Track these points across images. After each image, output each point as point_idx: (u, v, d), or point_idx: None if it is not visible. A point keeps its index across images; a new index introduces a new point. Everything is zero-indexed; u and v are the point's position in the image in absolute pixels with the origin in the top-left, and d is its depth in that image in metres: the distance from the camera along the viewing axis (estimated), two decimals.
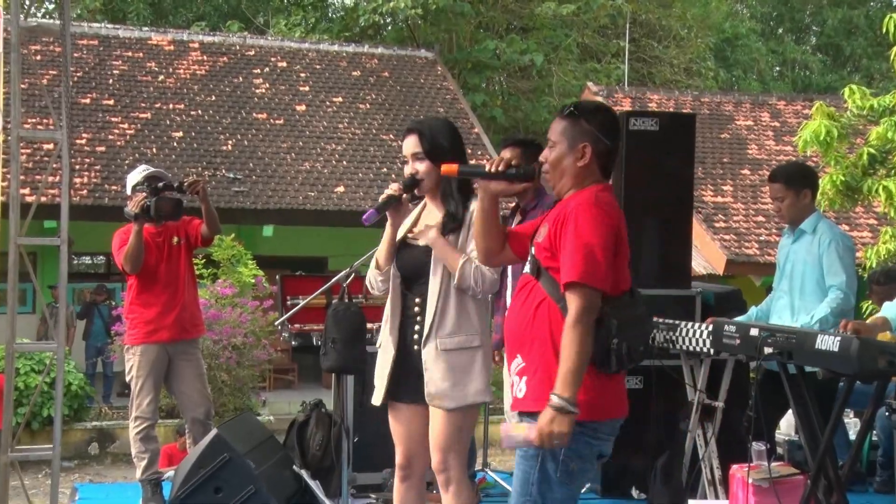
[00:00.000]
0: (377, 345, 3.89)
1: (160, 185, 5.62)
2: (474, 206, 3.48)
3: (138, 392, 5.68)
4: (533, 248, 3.05)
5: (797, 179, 4.95)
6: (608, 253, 2.91)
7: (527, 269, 3.09)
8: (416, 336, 3.75)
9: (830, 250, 4.79)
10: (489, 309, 3.81)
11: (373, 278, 3.85)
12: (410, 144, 3.76)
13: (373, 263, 3.87)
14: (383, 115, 17.04)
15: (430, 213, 3.81)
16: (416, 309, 3.76)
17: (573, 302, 2.85)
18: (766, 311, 5.10)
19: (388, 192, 3.74)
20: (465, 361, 3.63)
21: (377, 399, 3.81)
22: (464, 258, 3.59)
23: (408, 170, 3.76)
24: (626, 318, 2.96)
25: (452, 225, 3.68)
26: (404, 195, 3.72)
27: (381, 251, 3.83)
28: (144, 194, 5.57)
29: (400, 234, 3.83)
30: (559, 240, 2.94)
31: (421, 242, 3.72)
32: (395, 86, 18.04)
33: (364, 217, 3.63)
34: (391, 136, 16.44)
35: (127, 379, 5.83)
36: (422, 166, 3.72)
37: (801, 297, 4.87)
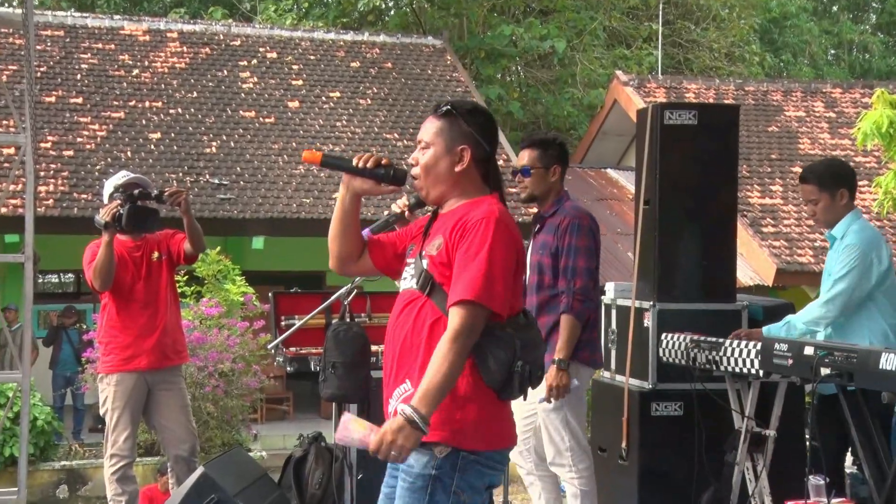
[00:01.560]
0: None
1: (136, 192, 5.65)
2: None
3: (114, 427, 5.69)
4: (425, 262, 3.11)
5: (831, 179, 4.96)
6: (508, 273, 3.04)
7: (412, 283, 3.15)
8: None
9: (843, 253, 4.81)
10: None
11: None
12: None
13: None
14: (386, 111, 17.07)
15: None
16: None
17: (458, 317, 2.96)
18: None
19: (393, 208, 3.78)
20: None
21: None
22: None
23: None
24: (527, 339, 3.09)
25: None
26: (409, 213, 3.76)
27: None
28: (118, 202, 5.60)
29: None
30: (455, 253, 3.05)
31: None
32: (399, 78, 18.08)
33: None
34: (395, 134, 16.47)
35: (101, 412, 5.85)
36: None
37: None
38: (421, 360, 3.04)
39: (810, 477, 4.40)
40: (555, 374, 4.89)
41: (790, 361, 4.24)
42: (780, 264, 14.88)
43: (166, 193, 5.63)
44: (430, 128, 3.19)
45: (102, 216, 5.60)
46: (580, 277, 4.97)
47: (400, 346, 3.12)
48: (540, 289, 5.06)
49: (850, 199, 4.98)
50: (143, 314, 5.75)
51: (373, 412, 5.01)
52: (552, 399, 4.94)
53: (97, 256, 5.59)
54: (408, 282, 3.18)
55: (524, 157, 5.19)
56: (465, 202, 3.16)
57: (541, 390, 4.99)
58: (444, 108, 3.18)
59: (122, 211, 5.58)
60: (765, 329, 4.94)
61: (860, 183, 17.25)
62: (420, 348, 3.06)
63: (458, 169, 3.16)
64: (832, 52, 32.26)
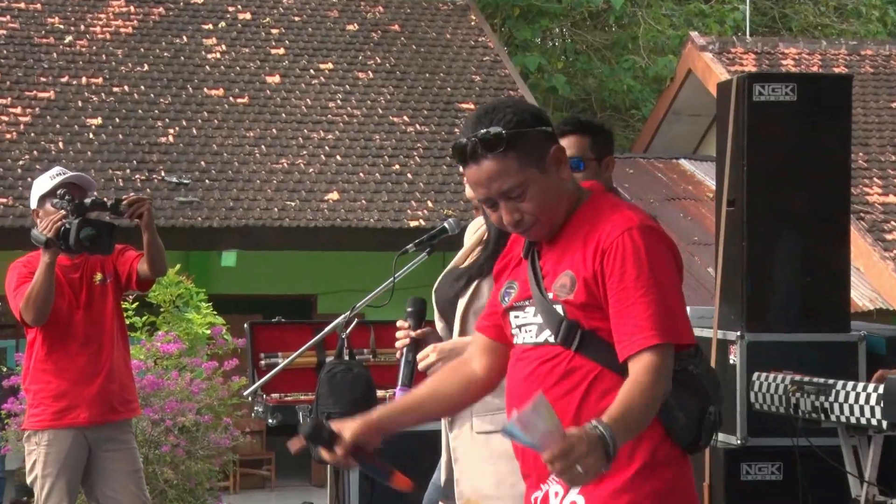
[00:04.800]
0: None
1: (87, 201, 5.65)
2: None
3: (45, 498, 5.71)
4: (559, 308, 3.07)
5: None
6: (680, 292, 3.05)
7: (542, 337, 3.12)
8: None
9: None
10: None
11: None
12: None
13: None
14: (393, 88, 17.10)
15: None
16: None
17: (650, 360, 2.93)
18: None
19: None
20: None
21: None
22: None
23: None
24: (708, 374, 3.13)
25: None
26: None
27: None
28: (63, 212, 5.61)
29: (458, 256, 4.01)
30: (604, 288, 3.02)
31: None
32: (409, 45, 18.11)
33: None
34: (405, 117, 16.49)
35: (28, 480, 5.87)
36: None
37: None
38: None
39: None
40: None
41: None
42: None
43: (125, 202, 5.64)
44: (500, 168, 3.05)
45: (44, 230, 5.59)
46: None
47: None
48: None
49: None
50: (82, 353, 5.76)
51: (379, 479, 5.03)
52: None
53: (34, 282, 5.57)
54: (531, 334, 3.15)
55: (570, 146, 5.18)
56: (576, 214, 3.15)
57: None
58: (498, 136, 3.04)
59: (68, 225, 5.57)
60: None
61: None
62: (577, 416, 3.01)
63: (564, 175, 3.14)
64: None
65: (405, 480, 3.11)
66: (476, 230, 4.09)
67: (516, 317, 3.18)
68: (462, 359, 3.34)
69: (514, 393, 3.17)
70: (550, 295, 3.08)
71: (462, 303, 3.86)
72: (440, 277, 4.00)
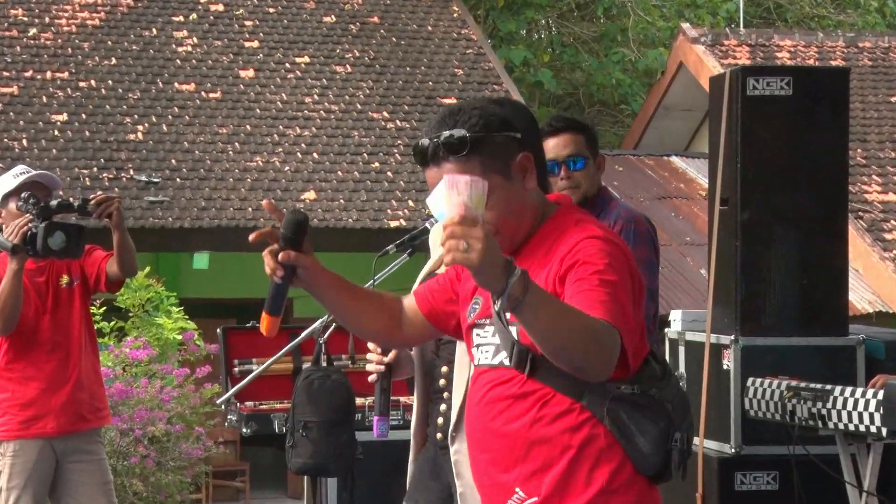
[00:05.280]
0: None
1: (53, 203, 5.63)
2: None
3: None
4: (514, 329, 3.02)
5: None
6: (631, 303, 3.02)
7: (498, 359, 3.12)
8: (440, 420, 3.82)
9: None
10: None
11: None
12: None
13: None
14: (372, 83, 17.09)
15: None
16: (443, 382, 3.86)
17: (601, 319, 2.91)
18: None
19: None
20: None
21: None
22: None
23: None
24: (674, 397, 3.10)
25: None
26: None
27: None
28: (29, 216, 5.59)
29: (432, 262, 3.93)
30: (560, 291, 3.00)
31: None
32: (388, 37, 18.10)
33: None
34: (385, 113, 16.48)
35: None
36: None
37: None
38: (535, 460, 3.03)
39: None
40: None
41: None
42: None
43: (92, 202, 5.62)
44: (464, 177, 2.98)
45: (9, 235, 5.57)
46: None
47: (497, 442, 3.09)
48: None
49: None
50: (49, 360, 5.75)
51: (359, 488, 5.03)
52: None
53: (1, 290, 5.56)
54: (487, 355, 3.15)
55: (568, 144, 5.17)
56: (542, 227, 3.15)
57: None
58: (461, 139, 3.04)
59: (35, 229, 5.55)
60: None
61: None
62: (529, 445, 3.04)
63: (531, 185, 3.13)
64: None
65: (275, 326, 3.18)
66: None
67: (477, 335, 3.19)
68: (398, 303, 3.35)
69: (470, 415, 3.19)
70: (508, 315, 3.00)
71: None
72: (416, 284, 3.99)
